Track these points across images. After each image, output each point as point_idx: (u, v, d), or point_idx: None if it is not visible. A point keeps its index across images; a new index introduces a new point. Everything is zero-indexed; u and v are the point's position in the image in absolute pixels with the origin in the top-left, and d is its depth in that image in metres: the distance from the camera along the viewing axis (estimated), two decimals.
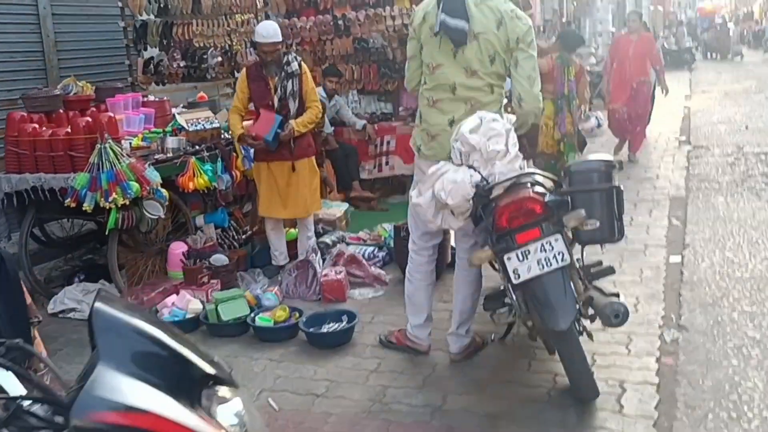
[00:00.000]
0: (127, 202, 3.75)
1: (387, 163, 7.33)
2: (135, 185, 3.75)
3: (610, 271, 3.12)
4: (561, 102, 6.00)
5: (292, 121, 4.54)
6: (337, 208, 5.60)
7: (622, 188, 2.79)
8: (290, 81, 4.63)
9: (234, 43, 7.55)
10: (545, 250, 2.55)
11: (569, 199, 2.62)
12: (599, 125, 10.50)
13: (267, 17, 8.41)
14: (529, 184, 2.64)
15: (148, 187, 3.84)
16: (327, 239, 5.14)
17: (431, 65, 3.07)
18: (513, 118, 3.10)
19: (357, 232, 5.43)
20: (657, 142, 9.76)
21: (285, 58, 4.63)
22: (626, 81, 7.86)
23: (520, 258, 2.58)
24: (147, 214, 3.89)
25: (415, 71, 3.18)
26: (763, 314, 3.72)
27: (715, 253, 4.80)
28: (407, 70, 3.23)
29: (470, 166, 2.70)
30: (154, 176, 3.89)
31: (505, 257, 2.60)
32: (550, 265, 2.55)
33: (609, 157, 2.80)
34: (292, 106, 4.61)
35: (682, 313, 3.86)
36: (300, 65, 4.68)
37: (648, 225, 5.67)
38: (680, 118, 12.07)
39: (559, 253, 2.55)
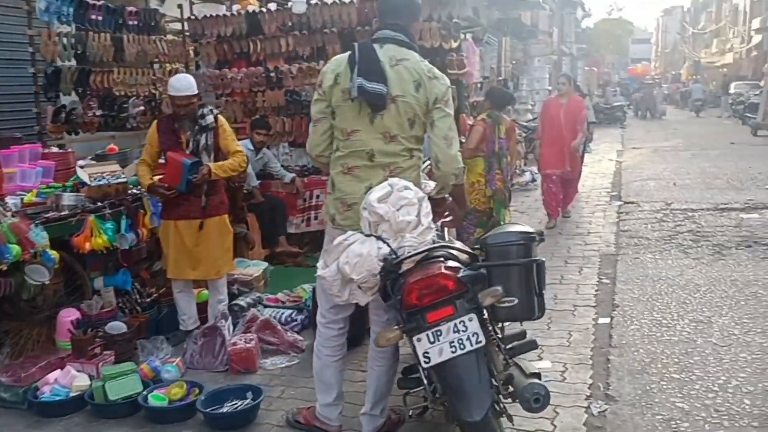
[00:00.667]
0: (4, 268, 3.35)
1: (316, 218, 7.08)
2: (15, 248, 3.36)
3: (533, 345, 2.89)
4: (492, 160, 5.90)
5: (209, 164, 4.28)
6: (254, 268, 5.27)
7: (543, 261, 2.59)
8: (204, 135, 4.37)
9: (160, 93, 7.26)
10: (458, 331, 2.31)
11: (486, 274, 2.40)
12: (533, 180, 10.60)
13: (198, 67, 8.19)
14: (441, 258, 2.41)
15: (31, 250, 3.46)
16: (242, 301, 4.80)
17: (345, 130, 2.85)
18: (433, 184, 2.90)
19: (276, 293, 5.11)
20: (589, 197, 9.85)
21: (200, 111, 4.38)
22: (558, 146, 7.71)
23: (431, 339, 2.33)
24: (29, 279, 3.49)
25: (321, 136, 2.92)
26: (692, 382, 3.57)
27: (644, 315, 4.68)
28: (312, 134, 2.96)
29: (379, 238, 2.46)
30: (41, 238, 3.51)
31: (415, 338, 2.35)
32: (464, 347, 2.30)
33: (528, 228, 2.60)
34: (206, 160, 4.35)
35: (611, 381, 3.67)
36: (216, 118, 4.44)
37: (578, 284, 5.56)
38: (612, 174, 12.32)
39: (473, 334, 2.31)
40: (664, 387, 3.53)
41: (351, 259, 2.42)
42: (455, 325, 2.32)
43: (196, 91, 4.34)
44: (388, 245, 2.42)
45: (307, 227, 7.06)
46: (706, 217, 7.84)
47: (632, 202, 9.14)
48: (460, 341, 2.31)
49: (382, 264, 2.39)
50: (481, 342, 2.30)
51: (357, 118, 2.80)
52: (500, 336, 2.83)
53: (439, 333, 2.33)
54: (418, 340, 2.35)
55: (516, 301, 2.36)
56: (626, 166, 13.35)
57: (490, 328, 2.59)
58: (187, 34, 7.88)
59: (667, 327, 4.40)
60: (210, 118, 4.37)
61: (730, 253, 6.21)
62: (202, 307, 4.61)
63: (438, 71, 2.89)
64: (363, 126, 2.80)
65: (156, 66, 7.53)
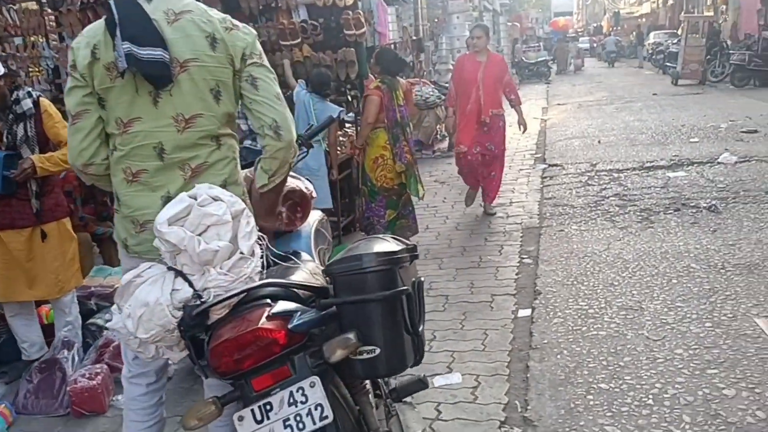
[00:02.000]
0: None
1: None
2: None
3: (422, 386, 2.20)
4: (396, 130, 5.20)
5: (32, 157, 3.43)
6: (118, 276, 4.43)
7: (421, 280, 1.90)
8: (22, 124, 3.49)
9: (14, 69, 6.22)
10: (296, 402, 1.61)
11: (337, 315, 1.70)
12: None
13: (62, 39, 7.12)
14: (268, 301, 1.72)
15: None
16: (99, 319, 3.98)
17: (122, 121, 2.03)
18: (262, 177, 2.13)
19: None
20: (513, 161, 9.30)
21: (14, 95, 3.49)
22: (476, 115, 6.16)
23: (258, 417, 1.62)
24: None
25: (87, 137, 2.07)
26: (623, 393, 3.01)
27: (569, 303, 4.12)
28: (71, 137, 2.09)
29: (180, 273, 1.72)
30: None
31: (236, 417, 1.64)
32: (303, 427, 1.61)
33: (393, 245, 1.79)
34: (27, 154, 3.49)
35: (530, 398, 3.08)
36: (37, 102, 3.55)
37: (497, 266, 4.98)
38: (536, 133, 11.84)
39: (316, 407, 1.61)
40: (591, 403, 2.96)
41: (135, 310, 1.66)
42: (291, 394, 1.62)
43: (2, 71, 3.43)
44: (191, 285, 1.67)
45: None
46: (632, 178, 7.41)
47: (557, 165, 8.65)
48: (299, 419, 1.61)
49: (179, 314, 1.65)
50: (327, 417, 1.61)
51: (135, 102, 2.01)
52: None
53: (268, 407, 1.62)
54: (240, 419, 1.63)
55: (377, 351, 1.67)
56: (551, 124, 12.93)
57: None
58: (44, 0, 6.80)
59: (594, 318, 3.84)
60: (28, 103, 3.49)
61: (658, 219, 5.75)
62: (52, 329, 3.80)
63: (237, 21, 2.12)
64: (145, 111, 2.01)
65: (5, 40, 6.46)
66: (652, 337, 3.52)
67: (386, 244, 1.77)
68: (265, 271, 1.81)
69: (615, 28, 46.22)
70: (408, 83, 5.81)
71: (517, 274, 4.76)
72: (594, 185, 7.30)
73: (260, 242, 1.83)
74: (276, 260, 1.97)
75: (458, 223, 6.35)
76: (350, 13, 6.04)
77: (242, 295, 1.65)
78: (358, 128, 5.72)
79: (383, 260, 1.68)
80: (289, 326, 1.61)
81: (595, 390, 3.06)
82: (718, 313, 3.72)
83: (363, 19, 6.10)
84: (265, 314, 1.61)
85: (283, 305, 1.67)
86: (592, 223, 5.86)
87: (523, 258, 5.12)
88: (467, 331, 3.86)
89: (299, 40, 6.22)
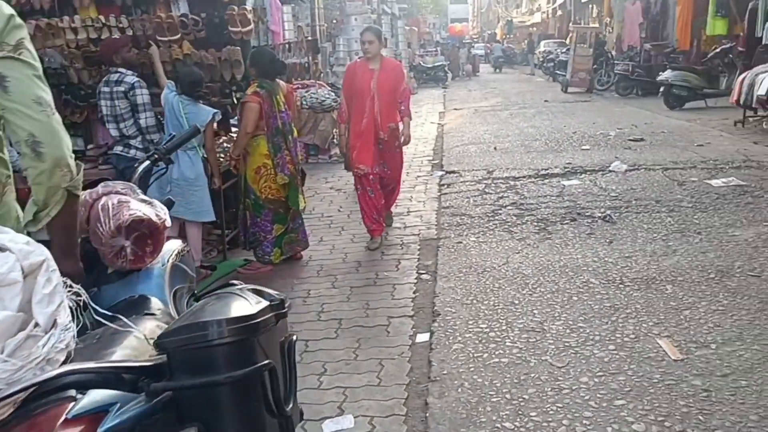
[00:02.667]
0: None
1: None
2: None
3: None
4: (277, 139, 4.78)
5: None
6: None
7: (293, 340, 1.49)
8: None
9: None
10: None
11: (173, 403, 1.27)
12: None
13: None
14: (70, 393, 1.23)
15: None
16: None
17: None
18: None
19: None
20: (410, 167, 9.10)
21: None
22: (372, 131, 5.39)
23: None
24: None
25: None
26: None
27: (469, 325, 3.86)
28: None
29: None
30: None
31: None
32: None
33: (252, 306, 1.33)
34: None
35: None
36: None
37: (394, 283, 4.67)
38: (433, 138, 11.76)
39: None
40: None
41: None
42: None
43: None
44: None
45: None
46: (528, 186, 7.36)
47: (454, 172, 8.51)
48: None
49: None
50: None
51: None
52: None
53: None
54: None
55: None
56: (448, 129, 12.90)
57: None
58: None
59: (496, 343, 3.60)
60: None
61: (555, 229, 5.66)
62: None
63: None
64: None
65: None
66: (555, 363, 3.31)
67: (242, 305, 1.36)
68: (79, 341, 1.35)
69: (508, 36, 47.78)
70: (290, 86, 5.38)
71: (414, 293, 4.47)
72: (491, 193, 7.19)
73: (76, 297, 1.38)
74: (101, 320, 1.50)
75: (354, 234, 6.01)
76: (235, 8, 5.54)
77: (31, 389, 1.19)
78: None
79: (236, 329, 1.27)
80: (100, 430, 1.16)
81: (500, 430, 2.78)
82: (621, 334, 3.58)
83: (250, 16, 5.62)
84: (64, 415, 1.15)
85: (94, 397, 1.21)
86: (491, 234, 5.69)
87: (421, 273, 4.85)
88: (361, 362, 3.51)
89: (179, 35, 5.64)
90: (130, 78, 5.05)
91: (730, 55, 13.61)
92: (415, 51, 29.10)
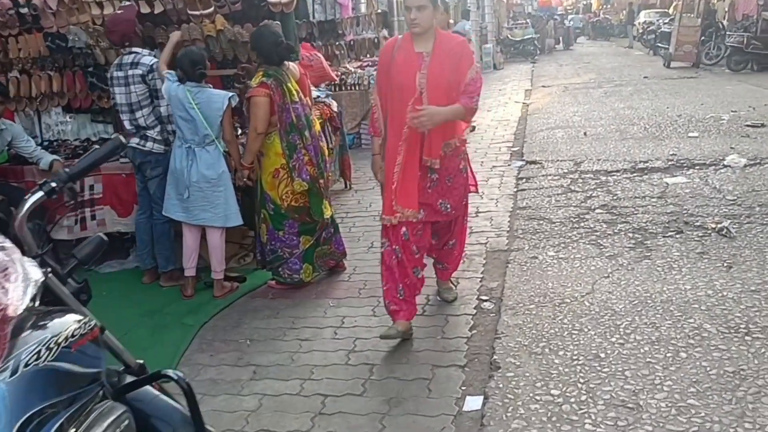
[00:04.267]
0: None
1: (93, 218, 5.05)
2: None
3: None
4: (292, 137, 3.95)
5: None
6: None
7: None
8: None
9: None
10: None
11: None
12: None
13: None
14: None
15: None
16: None
17: None
18: None
19: None
20: (486, 155, 8.11)
21: None
22: (416, 152, 3.39)
23: None
24: None
25: None
26: None
27: (536, 388, 2.93)
28: None
29: None
30: None
31: None
32: None
33: None
34: None
35: None
36: None
37: (448, 314, 3.77)
38: (516, 120, 10.63)
39: None
40: None
41: None
42: None
43: None
44: None
45: (83, 231, 5.00)
46: (623, 183, 6.21)
47: (535, 162, 7.44)
48: None
49: None
50: None
51: None
52: None
53: None
54: None
55: None
56: (533, 110, 11.70)
57: None
58: None
59: (571, 422, 2.65)
60: None
61: (656, 244, 4.56)
62: None
63: None
64: None
65: None
66: None
67: None
68: None
69: (604, 6, 44.81)
70: (302, 68, 4.47)
71: (471, 329, 3.56)
72: (578, 191, 6.10)
73: None
74: None
75: None
76: None
77: None
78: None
79: None
80: None
81: None
82: (752, 419, 2.55)
83: None
84: None
85: None
86: (574, 248, 4.67)
87: (483, 300, 3.92)
88: None
89: (212, 9, 4.89)
90: (148, 59, 4.36)
91: None
92: (502, 23, 27.53)
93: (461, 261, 4.07)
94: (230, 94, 4.25)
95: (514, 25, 28.93)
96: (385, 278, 3.46)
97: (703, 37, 17.44)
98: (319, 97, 6.48)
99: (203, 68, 4.14)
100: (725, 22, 18.72)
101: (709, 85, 13.22)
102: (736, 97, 11.08)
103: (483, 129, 9.93)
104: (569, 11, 47.58)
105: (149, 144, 4.40)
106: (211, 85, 4.30)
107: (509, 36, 25.94)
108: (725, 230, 4.63)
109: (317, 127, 4.26)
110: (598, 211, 5.47)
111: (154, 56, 4.52)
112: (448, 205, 3.53)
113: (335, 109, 6.73)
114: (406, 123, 3.28)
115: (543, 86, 15.48)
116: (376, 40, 10.07)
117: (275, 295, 4.32)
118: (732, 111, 9.53)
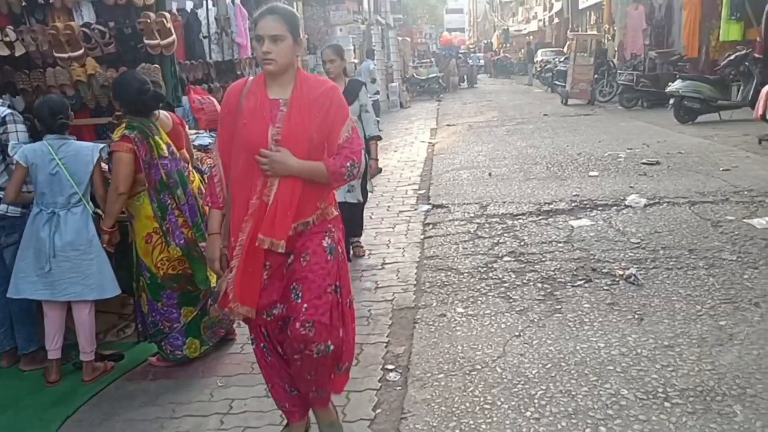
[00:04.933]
0: None
1: None
2: None
3: None
4: (163, 197, 3.53)
5: None
6: None
7: None
8: None
9: None
10: None
11: None
12: None
13: None
14: None
15: None
16: None
17: None
18: None
19: None
20: (393, 198, 7.88)
21: None
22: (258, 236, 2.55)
23: None
24: None
25: None
26: None
27: None
28: None
29: None
30: None
31: None
32: None
33: None
34: None
35: None
36: None
37: (349, 390, 3.37)
38: (422, 160, 10.53)
39: None
40: None
41: None
42: None
43: None
44: None
45: None
46: (529, 227, 6.09)
47: (442, 206, 7.26)
48: None
49: None
50: None
51: None
52: None
53: None
54: None
55: None
56: (439, 149, 11.67)
57: None
58: None
59: None
60: None
61: (566, 295, 4.40)
62: None
63: None
64: None
65: None
66: None
67: None
68: None
69: (504, 45, 46.68)
70: (176, 117, 4.06)
71: (375, 408, 3.20)
72: (485, 237, 5.93)
73: None
74: None
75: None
76: (151, 15, 4.30)
77: None
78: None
79: None
80: None
81: None
82: None
83: (170, 25, 4.37)
84: None
85: None
86: (483, 302, 4.43)
87: (388, 371, 3.57)
88: None
89: (81, 51, 4.40)
90: (0, 109, 3.81)
91: (746, 63, 12.38)
92: (408, 62, 27.94)
93: (351, 360, 2.78)
94: (101, 145, 3.77)
95: (420, 64, 29.48)
96: (266, 376, 2.81)
97: (596, 75, 18.23)
98: (209, 145, 6.04)
99: (65, 118, 3.65)
100: (615, 61, 19.68)
101: (604, 122, 13.69)
102: (631, 134, 11.47)
103: (389, 171, 9.75)
104: (471, 50, 49.24)
105: (2, 206, 3.82)
106: (74, 137, 3.79)
107: (415, 75, 26.35)
108: (633, 277, 4.53)
109: (195, 182, 3.83)
110: (506, 258, 5.29)
111: (9, 106, 3.97)
112: (300, 295, 2.49)
113: None
114: (253, 192, 2.51)
115: (448, 125, 15.61)
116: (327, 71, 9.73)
117: (156, 375, 3.80)
118: (628, 149, 9.80)
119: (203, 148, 5.92)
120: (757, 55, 12.12)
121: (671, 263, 4.82)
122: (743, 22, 12.64)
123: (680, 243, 5.26)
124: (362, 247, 5.77)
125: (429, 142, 12.66)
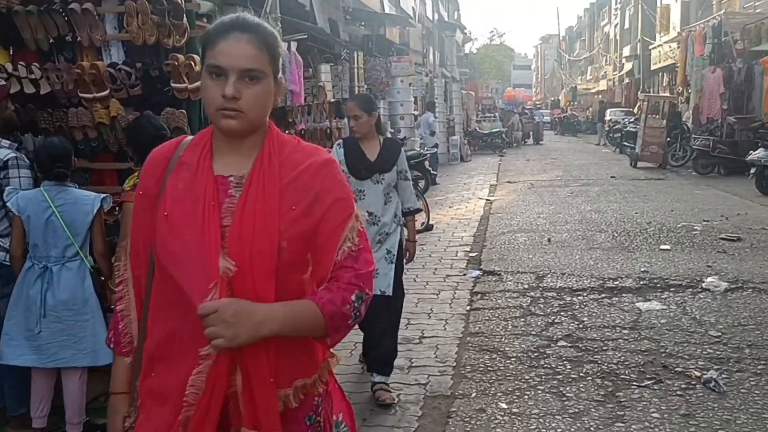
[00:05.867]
0: None
1: None
2: None
3: None
4: None
5: None
6: None
7: None
8: None
9: None
10: None
11: None
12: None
13: None
14: None
15: None
16: None
17: None
18: None
19: None
20: (441, 260, 7.31)
21: None
22: (218, 402, 1.40)
23: None
24: None
25: None
26: None
27: None
28: None
29: None
30: None
31: None
32: None
33: None
34: None
35: None
36: None
37: None
38: (478, 219, 9.94)
39: None
40: None
41: None
42: None
43: None
44: None
45: None
46: (589, 306, 5.41)
47: (493, 273, 6.64)
48: None
49: None
50: None
51: None
52: None
53: None
54: None
55: None
56: (497, 208, 11.06)
57: None
58: None
59: None
60: None
61: (630, 397, 3.71)
62: None
63: None
64: None
65: None
66: None
67: None
68: None
69: (572, 103, 45.95)
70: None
71: None
72: (539, 314, 5.27)
73: None
74: None
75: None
76: (180, 57, 3.98)
77: None
78: None
79: None
80: None
81: None
82: None
83: (198, 68, 4.04)
84: None
85: None
86: (530, 397, 3.78)
87: None
88: None
89: (107, 92, 4.11)
90: (4, 151, 3.50)
91: None
92: (471, 116, 27.60)
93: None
94: (102, 195, 3.41)
95: (483, 118, 29.13)
96: None
97: (668, 139, 17.36)
98: None
99: (65, 167, 3.31)
100: (690, 125, 18.75)
101: (677, 189, 12.81)
102: (707, 203, 10.60)
103: (441, 228, 9.20)
104: (537, 106, 48.72)
105: (0, 254, 3.48)
106: (76, 185, 3.45)
107: (477, 128, 25.95)
108: (713, 382, 3.80)
109: None
110: (561, 343, 4.63)
111: (18, 148, 3.68)
112: None
113: None
114: (184, 328, 1.41)
115: (509, 182, 15.00)
116: (328, 131, 9.47)
117: None
118: (704, 221, 8.95)
119: None
120: None
121: (760, 367, 4.05)
122: None
123: None
124: (389, 392, 3.80)
125: (487, 199, 12.08)
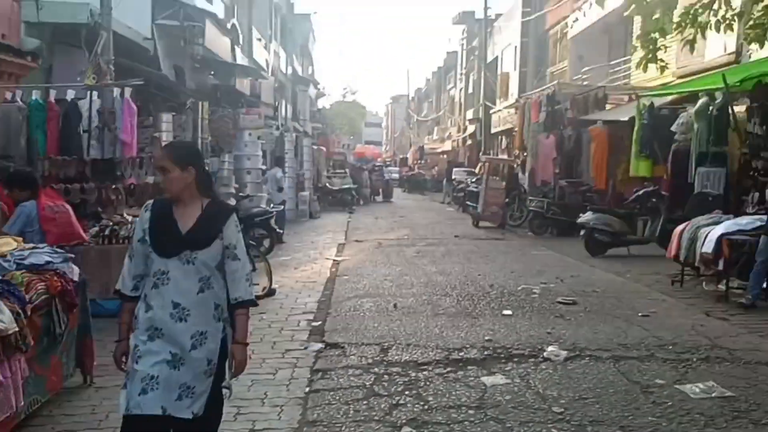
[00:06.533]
0: None
1: None
2: None
3: None
4: None
5: None
6: None
7: None
8: None
9: None
10: None
11: None
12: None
13: None
14: None
15: None
16: None
17: None
18: None
19: None
20: (282, 331, 6.77)
21: None
22: None
23: None
24: None
25: None
26: None
27: None
28: None
29: None
30: None
31: None
32: None
33: None
34: None
35: None
36: None
37: None
38: (323, 282, 9.53)
39: None
40: None
41: None
42: None
43: None
44: None
45: None
46: (435, 383, 5.13)
47: (336, 345, 6.21)
48: None
49: None
50: None
51: None
52: None
53: None
54: None
55: None
56: (343, 270, 10.73)
57: None
58: None
59: None
60: None
61: None
62: None
63: None
64: None
65: None
66: None
67: None
68: None
69: (419, 161, 47.68)
70: (43, 220, 2.96)
71: None
72: (382, 395, 4.90)
73: None
74: None
75: None
76: None
77: None
78: None
79: None
80: None
81: None
82: None
83: None
84: None
85: None
86: None
87: None
88: None
89: None
90: None
91: (653, 199, 12.46)
92: (322, 171, 27.51)
93: None
94: None
95: (334, 174, 29.14)
96: None
97: (507, 200, 18.22)
98: (50, 263, 4.84)
99: None
100: (526, 187, 19.87)
101: (516, 250, 13.28)
102: (544, 265, 11.00)
103: (284, 293, 8.67)
104: (387, 163, 50.02)
105: None
106: None
107: (327, 184, 25.87)
108: None
109: None
110: (405, 429, 4.26)
111: None
112: None
113: (75, 278, 5.07)
114: None
115: (357, 240, 14.83)
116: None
117: None
118: (542, 283, 9.20)
119: (36, 268, 4.71)
120: (664, 192, 12.23)
121: None
122: (652, 158, 12.80)
123: (610, 416, 4.43)
124: None
125: (334, 260, 11.74)
